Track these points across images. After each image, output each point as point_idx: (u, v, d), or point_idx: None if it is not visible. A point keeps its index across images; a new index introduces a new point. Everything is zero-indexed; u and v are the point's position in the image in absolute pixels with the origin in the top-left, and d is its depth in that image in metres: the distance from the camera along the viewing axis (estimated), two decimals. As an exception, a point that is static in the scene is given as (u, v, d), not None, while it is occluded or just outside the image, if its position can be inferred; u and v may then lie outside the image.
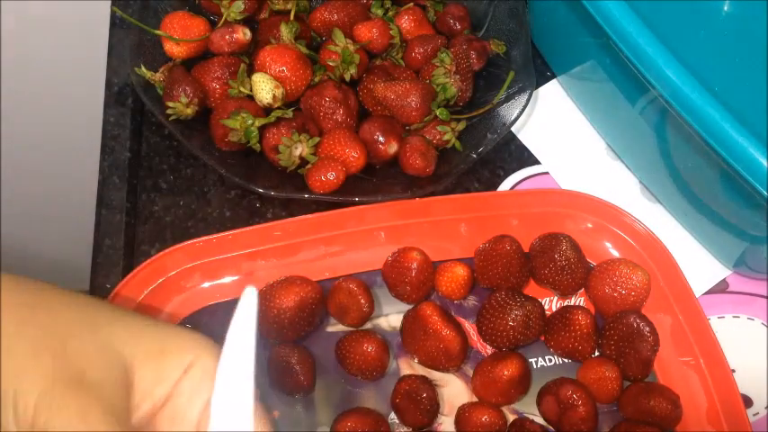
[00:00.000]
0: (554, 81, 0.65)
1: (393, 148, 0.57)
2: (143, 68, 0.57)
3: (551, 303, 0.56)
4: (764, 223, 0.49)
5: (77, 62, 0.92)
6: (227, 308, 0.54)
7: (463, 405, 0.51)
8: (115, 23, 0.64)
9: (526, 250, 0.56)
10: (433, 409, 0.50)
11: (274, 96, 0.54)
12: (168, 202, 0.59)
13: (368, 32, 0.59)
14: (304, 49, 0.57)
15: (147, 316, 0.29)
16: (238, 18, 0.59)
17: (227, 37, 0.58)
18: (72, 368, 0.25)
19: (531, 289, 0.56)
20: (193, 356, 0.28)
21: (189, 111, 0.56)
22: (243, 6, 0.58)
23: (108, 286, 0.55)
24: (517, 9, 0.62)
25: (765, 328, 0.57)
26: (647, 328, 0.52)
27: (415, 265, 0.53)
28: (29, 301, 0.27)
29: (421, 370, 0.53)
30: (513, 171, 0.61)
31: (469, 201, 0.56)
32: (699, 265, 0.58)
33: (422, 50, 0.60)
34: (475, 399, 0.52)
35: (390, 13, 0.62)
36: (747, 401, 0.54)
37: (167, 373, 0.28)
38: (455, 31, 0.63)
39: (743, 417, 0.49)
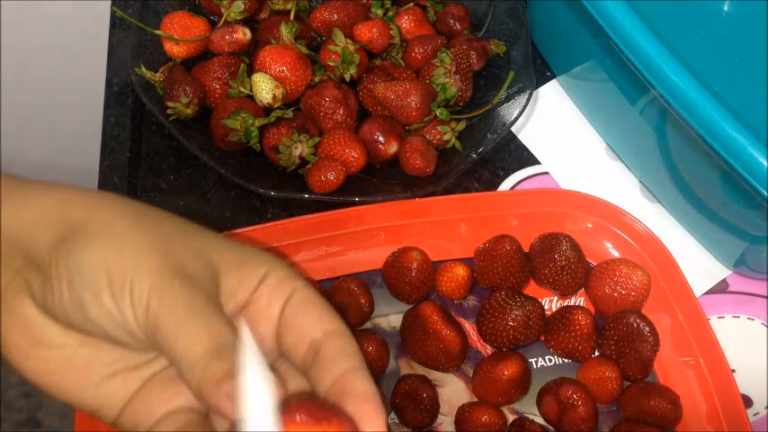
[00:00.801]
0: (554, 81, 0.65)
1: (393, 148, 0.57)
2: (143, 68, 0.57)
3: (551, 303, 0.56)
4: (764, 223, 0.49)
5: (77, 62, 0.92)
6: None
7: (463, 405, 0.51)
8: (115, 23, 0.64)
9: (526, 250, 0.56)
10: (433, 409, 0.50)
11: (274, 96, 0.54)
12: (168, 202, 0.59)
13: (368, 32, 0.59)
14: (304, 49, 0.57)
15: (223, 236, 0.34)
16: (238, 18, 0.59)
17: (227, 37, 0.58)
18: (177, 264, 0.30)
19: (531, 289, 0.56)
20: (268, 267, 0.32)
21: (189, 111, 0.56)
22: (243, 6, 0.58)
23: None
24: (517, 9, 0.62)
25: (765, 328, 0.57)
26: (647, 328, 0.52)
27: (415, 265, 0.53)
28: (131, 212, 0.31)
29: (421, 370, 0.53)
30: (513, 171, 0.61)
31: (469, 201, 0.56)
32: (699, 265, 0.58)
33: (422, 50, 0.60)
34: (475, 399, 0.52)
35: (390, 13, 0.62)
36: (747, 401, 0.54)
37: (247, 281, 0.32)
38: (455, 31, 0.63)
39: (743, 417, 0.49)
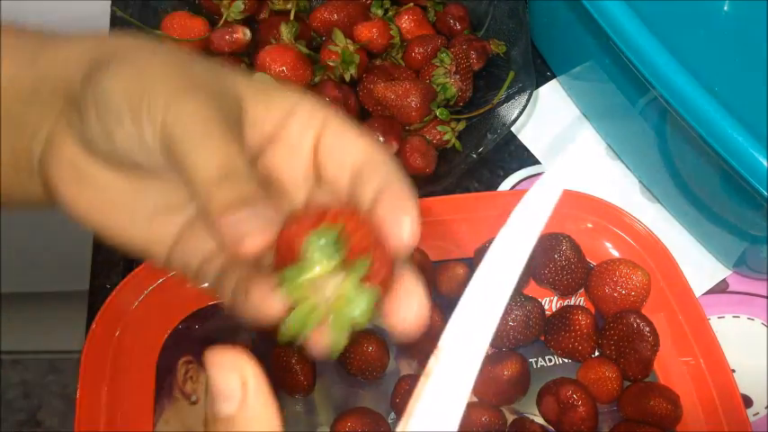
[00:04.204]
0: (554, 81, 0.65)
1: (393, 148, 0.57)
2: (143, 68, 0.57)
3: (551, 303, 0.56)
4: (764, 223, 0.49)
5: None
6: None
7: (463, 405, 0.51)
8: (115, 23, 0.64)
9: (526, 250, 0.55)
10: (433, 409, 0.50)
11: (274, 96, 0.54)
12: (168, 202, 0.59)
13: (368, 32, 0.59)
14: (304, 49, 0.57)
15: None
16: (238, 18, 0.59)
17: (227, 37, 0.58)
18: (196, 82, 0.29)
19: (531, 289, 0.56)
20: (297, 98, 0.31)
21: (189, 111, 0.56)
22: (243, 6, 0.59)
23: (108, 286, 0.55)
24: (517, 9, 0.62)
25: (765, 328, 0.57)
26: (647, 328, 0.52)
27: (414, 266, 0.53)
28: (157, 45, 0.31)
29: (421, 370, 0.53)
30: (513, 171, 0.61)
31: (469, 201, 0.56)
32: (699, 265, 0.58)
33: (422, 50, 0.60)
34: (475, 399, 0.52)
35: (390, 13, 0.62)
36: (747, 401, 0.54)
37: (274, 112, 0.31)
38: (455, 31, 0.63)
39: (743, 417, 0.49)
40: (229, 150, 0.27)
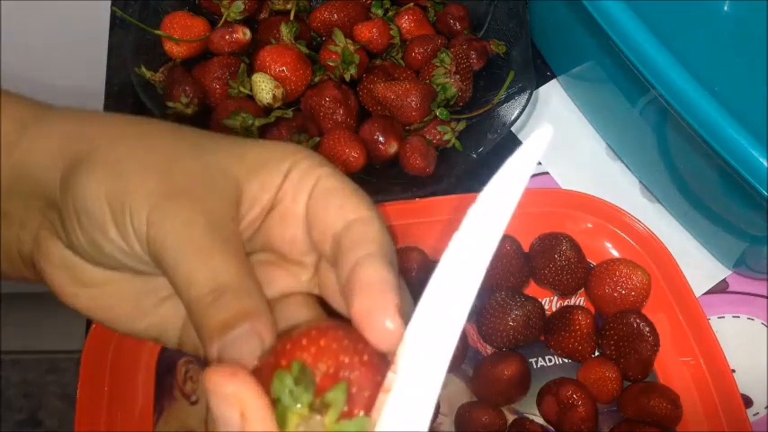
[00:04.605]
0: (554, 81, 0.65)
1: (393, 148, 0.57)
2: (143, 68, 0.57)
3: (551, 303, 0.56)
4: (764, 223, 0.49)
5: (77, 62, 0.92)
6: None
7: (463, 405, 0.51)
8: (115, 23, 0.64)
9: (526, 250, 0.56)
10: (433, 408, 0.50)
11: (274, 96, 0.54)
12: (168, 202, 0.59)
13: (368, 32, 0.59)
14: (304, 49, 0.57)
15: (244, 138, 0.32)
16: (238, 18, 0.59)
17: (227, 37, 0.58)
18: (178, 184, 0.27)
19: (531, 289, 0.56)
20: (291, 162, 0.30)
21: (189, 111, 0.56)
22: (243, 6, 0.59)
23: (108, 286, 0.55)
24: (517, 9, 0.62)
25: (765, 328, 0.57)
26: (647, 328, 0.52)
27: (415, 266, 0.53)
28: (135, 132, 0.30)
29: (421, 370, 0.53)
30: (513, 171, 0.61)
31: (469, 201, 0.56)
32: (699, 265, 0.58)
33: (422, 50, 0.60)
34: (475, 399, 0.52)
35: (390, 13, 0.62)
36: (747, 401, 0.54)
37: (270, 181, 0.30)
38: (455, 31, 0.63)
39: (743, 417, 0.49)
40: (219, 263, 0.26)
